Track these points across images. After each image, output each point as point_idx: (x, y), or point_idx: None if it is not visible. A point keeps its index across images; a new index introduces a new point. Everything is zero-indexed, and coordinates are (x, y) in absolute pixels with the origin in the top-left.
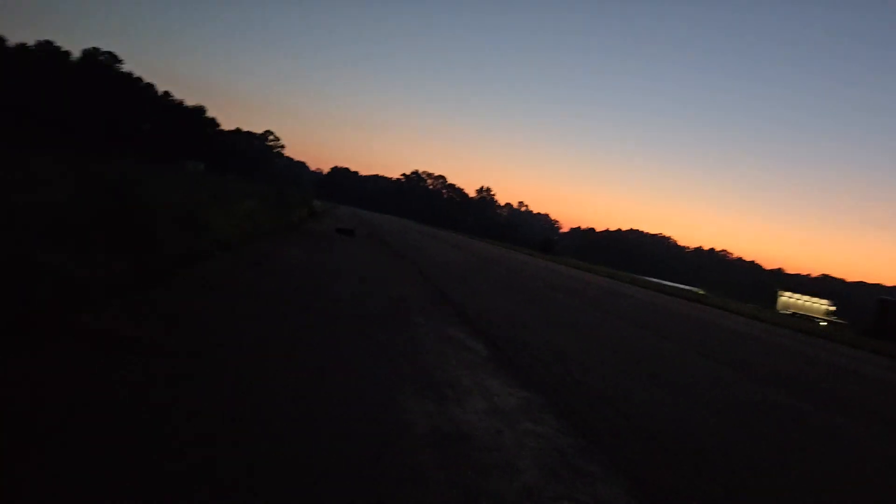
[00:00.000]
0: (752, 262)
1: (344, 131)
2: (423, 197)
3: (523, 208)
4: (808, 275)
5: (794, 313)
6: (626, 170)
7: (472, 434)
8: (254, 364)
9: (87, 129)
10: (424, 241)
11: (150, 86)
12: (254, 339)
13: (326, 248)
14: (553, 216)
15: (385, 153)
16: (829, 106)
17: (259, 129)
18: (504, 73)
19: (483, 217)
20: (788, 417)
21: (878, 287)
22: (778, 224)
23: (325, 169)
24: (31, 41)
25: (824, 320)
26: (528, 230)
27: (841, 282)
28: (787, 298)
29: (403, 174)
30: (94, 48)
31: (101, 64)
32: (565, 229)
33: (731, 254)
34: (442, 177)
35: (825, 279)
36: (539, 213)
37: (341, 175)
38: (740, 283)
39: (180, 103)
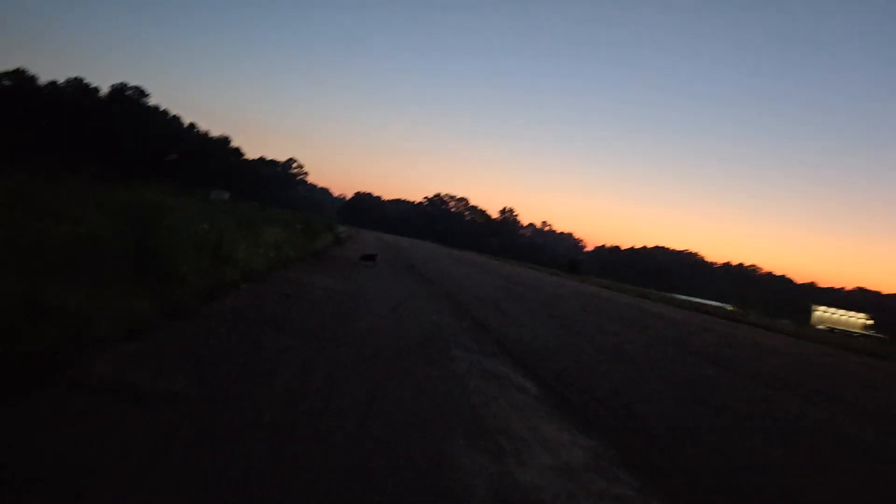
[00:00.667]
0: (783, 277)
1: (366, 157)
2: (446, 220)
3: (546, 228)
4: (842, 288)
5: (830, 329)
6: (649, 186)
7: (542, 501)
8: (284, 414)
9: (116, 161)
10: (450, 265)
11: (177, 118)
12: (284, 383)
13: (354, 275)
14: (577, 235)
15: (407, 177)
16: (856, 112)
17: (282, 157)
18: (524, 93)
19: (507, 238)
20: None
21: None
22: (808, 237)
23: (348, 194)
24: (61, 79)
25: (864, 335)
26: (552, 250)
27: (877, 294)
28: (822, 313)
29: (426, 197)
30: (122, 83)
31: (128, 98)
32: (590, 248)
33: (761, 269)
34: (464, 199)
35: (860, 292)
36: (563, 233)
37: (364, 200)
38: (771, 298)
39: (206, 134)
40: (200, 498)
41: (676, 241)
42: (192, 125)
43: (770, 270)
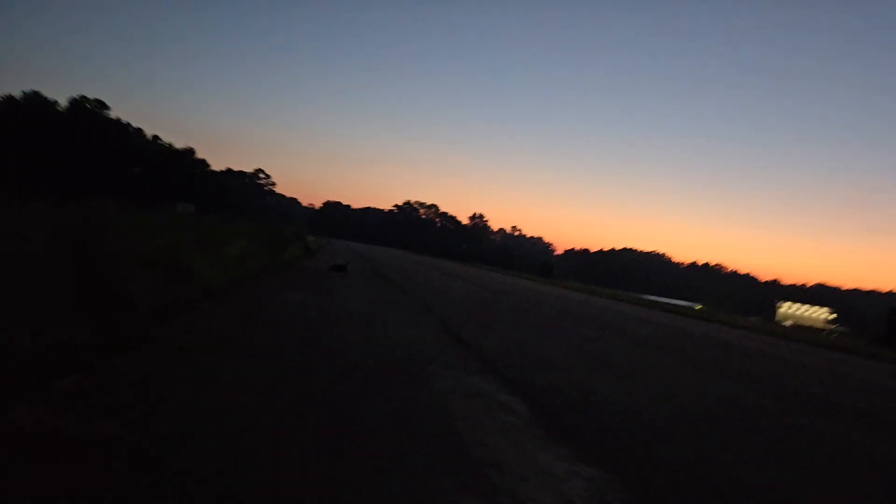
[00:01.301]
0: (748, 275)
1: (334, 166)
2: (417, 226)
3: (517, 233)
4: (804, 284)
5: (794, 324)
6: (616, 189)
7: None
8: (243, 461)
9: (77, 176)
10: (423, 273)
11: (139, 131)
12: (241, 419)
13: (325, 288)
14: (547, 239)
15: (376, 185)
16: (814, 112)
17: (249, 168)
18: (491, 98)
19: (478, 244)
20: None
21: (874, 293)
22: (770, 235)
23: (318, 204)
24: (17, 92)
25: (827, 330)
26: (523, 255)
27: (837, 290)
28: (786, 309)
29: (396, 205)
30: (81, 96)
31: (88, 112)
32: (560, 252)
33: (726, 267)
34: (434, 205)
35: (821, 288)
36: (532, 237)
37: (334, 209)
38: (737, 296)
39: (169, 146)
40: None
41: (644, 243)
42: (155, 137)
43: (735, 269)
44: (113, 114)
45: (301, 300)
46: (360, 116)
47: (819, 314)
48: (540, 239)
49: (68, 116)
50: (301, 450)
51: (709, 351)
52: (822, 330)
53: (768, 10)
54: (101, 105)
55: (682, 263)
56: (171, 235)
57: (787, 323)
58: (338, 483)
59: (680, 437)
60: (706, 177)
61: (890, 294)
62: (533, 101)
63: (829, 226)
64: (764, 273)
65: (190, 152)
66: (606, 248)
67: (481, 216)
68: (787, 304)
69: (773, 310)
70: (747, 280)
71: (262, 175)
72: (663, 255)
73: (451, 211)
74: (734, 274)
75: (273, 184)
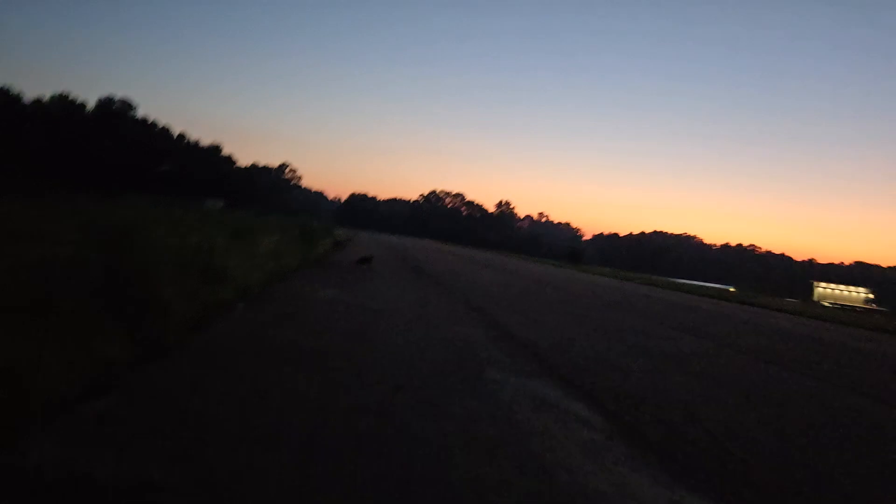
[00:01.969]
0: (783, 255)
1: (360, 158)
2: (443, 216)
3: (544, 219)
4: (842, 263)
5: (830, 304)
6: (644, 171)
7: None
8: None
9: (106, 176)
10: (455, 263)
11: (166, 129)
12: (292, 448)
13: (359, 281)
14: (574, 224)
15: (402, 176)
16: (847, 87)
17: (275, 163)
18: (515, 83)
19: (505, 231)
20: None
21: None
22: (805, 213)
23: (344, 196)
24: (46, 95)
25: (863, 309)
26: (551, 241)
27: (877, 268)
28: (823, 289)
29: (421, 195)
30: (108, 96)
31: (115, 112)
32: (588, 237)
33: (759, 248)
34: (460, 194)
35: (859, 266)
36: (560, 223)
37: (360, 201)
38: (771, 277)
39: (196, 143)
40: None
41: (674, 225)
42: (181, 135)
43: (769, 249)
44: (140, 113)
45: (339, 297)
46: (384, 108)
47: (857, 294)
48: (568, 224)
49: (96, 117)
50: (364, 482)
51: (766, 340)
52: (862, 309)
53: None
54: (128, 105)
55: (715, 245)
56: (204, 232)
57: (825, 303)
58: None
59: (780, 455)
60: (737, 156)
61: None
62: (558, 85)
63: (865, 201)
64: (799, 253)
65: (217, 149)
66: (636, 232)
67: (508, 203)
68: (824, 284)
69: (811, 290)
70: (782, 260)
71: (287, 169)
72: (694, 237)
73: (478, 199)
74: (768, 254)
75: (299, 177)
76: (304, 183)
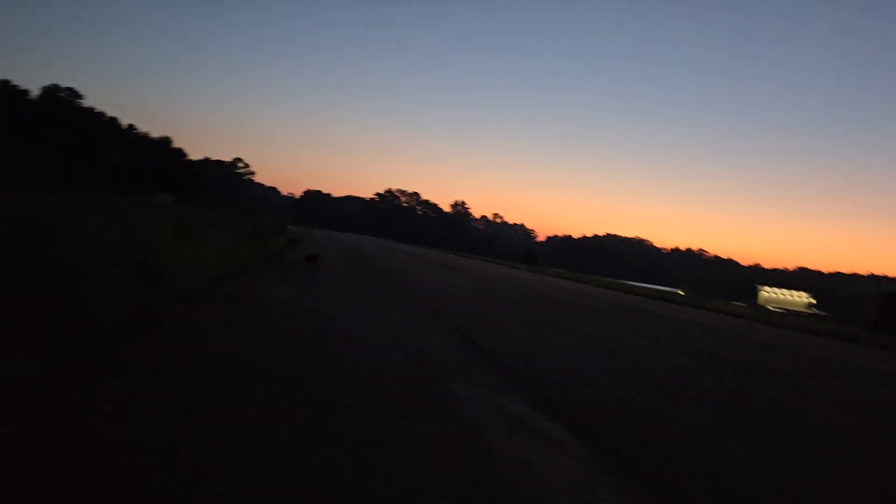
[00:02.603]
0: (730, 260)
1: (314, 154)
2: (398, 215)
3: (499, 220)
4: (786, 268)
5: (775, 308)
6: (598, 175)
7: None
8: None
9: (50, 167)
10: (411, 263)
11: (114, 119)
12: (235, 477)
13: (314, 283)
14: (529, 226)
15: (357, 173)
16: (794, 96)
17: (228, 157)
18: (470, 84)
19: (460, 231)
20: None
21: (855, 276)
22: (752, 220)
23: (297, 193)
24: None
25: (807, 314)
26: (505, 242)
27: (818, 273)
28: (767, 293)
29: (377, 193)
30: (53, 85)
31: (61, 101)
32: (542, 238)
33: (708, 252)
34: (416, 193)
35: (802, 272)
36: (515, 224)
37: (314, 198)
38: (719, 280)
39: (145, 135)
40: None
41: (627, 229)
42: (131, 127)
43: (717, 254)
44: (86, 103)
45: (292, 300)
46: (339, 104)
47: (799, 298)
48: (522, 226)
49: (41, 106)
50: None
51: (730, 346)
52: (803, 314)
53: None
54: (75, 94)
55: (665, 249)
56: (147, 229)
57: (770, 307)
58: None
59: (748, 461)
60: (688, 163)
61: (871, 277)
62: (512, 87)
63: (808, 210)
64: (746, 258)
65: (166, 141)
66: (589, 235)
67: (463, 204)
68: (768, 288)
69: (755, 294)
70: (730, 265)
71: (240, 164)
72: (645, 241)
73: (433, 199)
74: (716, 259)
75: (252, 173)
76: (258, 178)
